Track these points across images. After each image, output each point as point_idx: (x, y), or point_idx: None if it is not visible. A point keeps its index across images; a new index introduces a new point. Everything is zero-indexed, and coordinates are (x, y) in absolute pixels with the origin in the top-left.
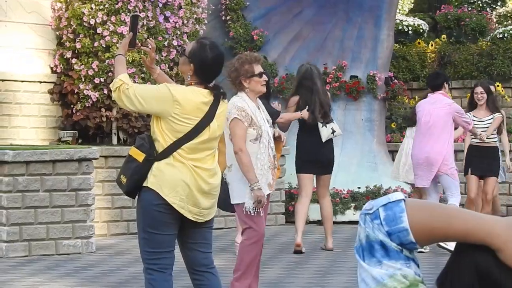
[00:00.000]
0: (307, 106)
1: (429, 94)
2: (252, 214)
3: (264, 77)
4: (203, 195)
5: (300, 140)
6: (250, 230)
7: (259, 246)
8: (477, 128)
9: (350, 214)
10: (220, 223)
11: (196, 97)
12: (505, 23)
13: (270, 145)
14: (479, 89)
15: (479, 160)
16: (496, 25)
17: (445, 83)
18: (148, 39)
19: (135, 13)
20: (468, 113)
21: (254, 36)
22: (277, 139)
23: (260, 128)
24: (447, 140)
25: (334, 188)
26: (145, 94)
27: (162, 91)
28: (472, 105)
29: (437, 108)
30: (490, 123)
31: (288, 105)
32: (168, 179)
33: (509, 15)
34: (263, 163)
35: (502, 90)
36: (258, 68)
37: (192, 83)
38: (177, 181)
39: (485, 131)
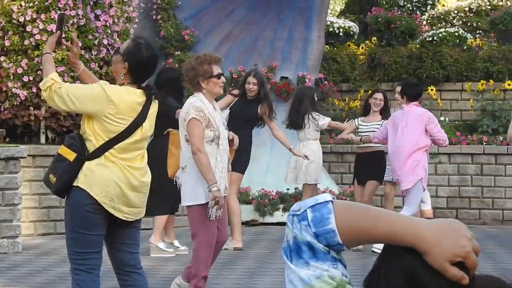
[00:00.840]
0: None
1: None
2: (212, 218)
3: (222, 79)
4: (135, 192)
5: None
6: (203, 232)
7: (212, 247)
8: (360, 132)
9: (279, 215)
10: (148, 223)
11: (131, 97)
12: (438, 25)
13: (227, 147)
14: (379, 95)
15: (363, 167)
16: (427, 27)
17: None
18: (72, 34)
19: (62, 12)
20: (357, 119)
21: (185, 36)
22: (230, 142)
23: (217, 130)
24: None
25: (263, 189)
26: (78, 93)
27: (96, 91)
28: (366, 111)
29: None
30: (377, 128)
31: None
32: (99, 179)
33: (442, 17)
34: (224, 165)
35: (434, 94)
36: (217, 69)
37: (125, 83)
38: (108, 181)
39: (367, 135)
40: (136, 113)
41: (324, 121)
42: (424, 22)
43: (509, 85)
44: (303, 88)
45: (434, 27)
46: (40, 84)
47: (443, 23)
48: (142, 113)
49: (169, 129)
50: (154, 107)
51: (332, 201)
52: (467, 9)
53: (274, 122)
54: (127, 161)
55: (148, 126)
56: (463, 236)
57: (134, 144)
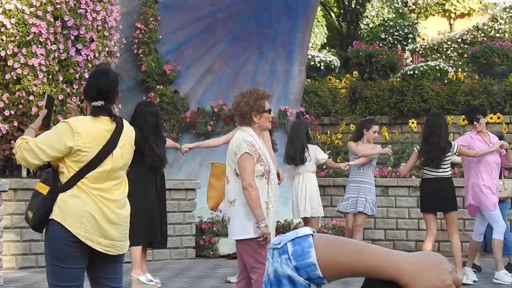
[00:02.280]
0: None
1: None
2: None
3: (272, 114)
4: (112, 225)
5: None
6: (262, 264)
7: None
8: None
9: None
10: (126, 256)
11: (98, 125)
12: (433, 56)
13: (276, 182)
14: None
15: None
16: (407, 61)
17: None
18: (68, 99)
19: (50, 94)
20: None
21: (167, 71)
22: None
23: (267, 164)
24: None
25: None
26: (45, 140)
27: (60, 128)
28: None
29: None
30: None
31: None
32: (72, 210)
33: (436, 48)
34: (276, 200)
35: (415, 127)
36: (267, 104)
37: (91, 113)
38: (82, 212)
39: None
40: (105, 140)
41: (323, 156)
42: (408, 54)
43: (491, 118)
44: (298, 123)
45: (428, 58)
46: (14, 150)
47: (438, 54)
48: (111, 141)
49: (212, 162)
50: (127, 136)
51: (312, 235)
52: (460, 40)
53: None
54: (101, 191)
55: (120, 155)
56: (444, 270)
57: (107, 174)
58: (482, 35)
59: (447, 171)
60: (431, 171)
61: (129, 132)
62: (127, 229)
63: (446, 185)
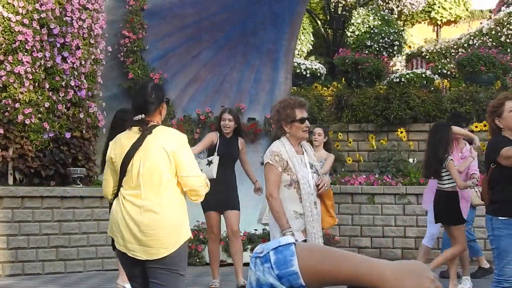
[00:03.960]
0: None
1: None
2: None
3: (307, 123)
4: (136, 228)
5: None
6: None
7: None
8: None
9: (246, 256)
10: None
11: (127, 135)
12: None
13: (311, 191)
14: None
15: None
16: (394, 68)
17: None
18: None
19: None
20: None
21: (154, 79)
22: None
23: (296, 174)
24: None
25: None
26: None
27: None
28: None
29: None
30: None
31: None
32: (111, 217)
33: (443, 52)
34: (312, 209)
35: (404, 137)
36: (300, 113)
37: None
38: (112, 218)
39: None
40: (127, 148)
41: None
42: (401, 59)
43: (476, 127)
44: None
45: (437, 63)
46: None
47: (446, 60)
48: (132, 147)
49: None
50: (150, 143)
51: (294, 244)
52: (466, 45)
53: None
54: (131, 196)
55: (139, 160)
56: (426, 277)
57: (134, 179)
58: (490, 39)
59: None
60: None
61: (153, 140)
62: (153, 236)
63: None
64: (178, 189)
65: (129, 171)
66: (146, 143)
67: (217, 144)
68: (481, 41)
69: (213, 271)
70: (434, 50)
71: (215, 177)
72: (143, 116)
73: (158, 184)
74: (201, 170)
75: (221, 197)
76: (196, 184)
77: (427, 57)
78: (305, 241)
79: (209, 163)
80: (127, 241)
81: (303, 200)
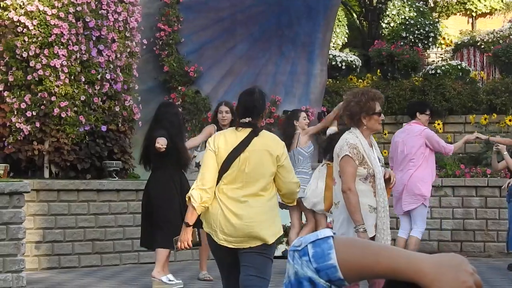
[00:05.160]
0: None
1: (404, 124)
2: None
3: (382, 116)
4: (233, 225)
5: None
6: None
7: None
8: None
9: (283, 248)
10: (152, 257)
11: (233, 134)
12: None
13: (383, 186)
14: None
15: None
16: (429, 60)
17: (417, 113)
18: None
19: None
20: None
21: (190, 72)
22: (386, 181)
23: (372, 167)
24: (423, 168)
25: None
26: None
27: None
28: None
29: (410, 137)
30: None
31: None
32: (207, 213)
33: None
34: (384, 205)
35: (441, 129)
36: (378, 106)
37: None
38: (209, 214)
39: None
40: (233, 146)
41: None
42: (433, 53)
43: (510, 120)
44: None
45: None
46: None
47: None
48: (239, 146)
49: (327, 162)
50: (256, 144)
51: (333, 237)
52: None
53: None
54: (232, 192)
55: (245, 159)
56: (465, 271)
57: (238, 176)
58: None
59: None
60: None
61: (261, 140)
62: (247, 228)
63: None
64: (274, 190)
65: (233, 168)
66: (253, 145)
67: None
68: None
69: (202, 263)
70: (489, 40)
71: None
72: (250, 119)
73: (260, 183)
74: (199, 162)
75: None
76: (295, 189)
77: (482, 47)
78: (374, 236)
79: None
80: (228, 234)
81: (377, 195)
